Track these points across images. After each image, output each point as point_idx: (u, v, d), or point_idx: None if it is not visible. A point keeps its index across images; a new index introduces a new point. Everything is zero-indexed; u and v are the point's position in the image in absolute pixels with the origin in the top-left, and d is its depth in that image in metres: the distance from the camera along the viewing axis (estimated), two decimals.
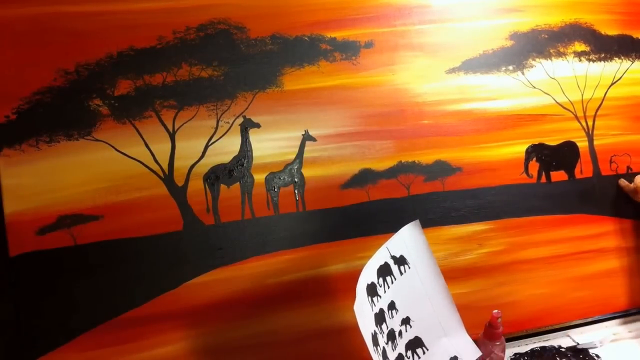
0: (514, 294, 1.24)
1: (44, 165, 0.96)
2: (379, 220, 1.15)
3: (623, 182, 1.33)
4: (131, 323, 0.99)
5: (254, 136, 1.09)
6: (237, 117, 1.08)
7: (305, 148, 1.12)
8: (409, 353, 0.96)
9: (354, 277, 1.11)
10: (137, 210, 1.01)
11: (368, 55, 1.16)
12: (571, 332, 1.28)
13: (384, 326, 0.90)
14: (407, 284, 0.98)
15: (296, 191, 1.11)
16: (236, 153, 1.08)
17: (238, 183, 1.08)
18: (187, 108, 1.05)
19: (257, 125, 1.09)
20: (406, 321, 0.97)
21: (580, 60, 1.32)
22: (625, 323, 1.33)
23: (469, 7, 1.24)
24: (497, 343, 1.05)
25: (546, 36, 1.29)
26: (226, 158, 1.07)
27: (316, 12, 1.14)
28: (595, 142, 1.33)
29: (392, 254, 0.96)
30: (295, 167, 1.11)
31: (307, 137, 1.12)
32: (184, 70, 1.05)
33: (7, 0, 0.95)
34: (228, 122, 1.07)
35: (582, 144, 1.32)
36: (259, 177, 1.09)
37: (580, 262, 1.29)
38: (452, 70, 1.22)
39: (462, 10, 1.23)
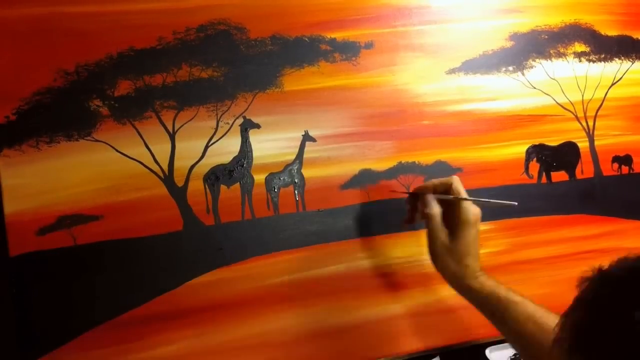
0: None
1: (44, 166, 0.96)
2: (379, 220, 1.15)
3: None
4: (131, 323, 0.99)
5: (253, 137, 1.09)
6: (237, 117, 1.08)
7: (305, 149, 1.12)
8: None
9: (354, 277, 1.12)
10: (137, 211, 1.01)
11: (368, 56, 1.16)
12: None
13: None
14: None
15: (296, 192, 1.11)
16: (236, 153, 1.08)
17: (238, 183, 1.08)
18: (187, 108, 1.05)
19: (257, 126, 1.09)
20: None
21: (580, 61, 1.32)
22: None
23: (469, 7, 1.24)
24: None
25: (546, 37, 1.29)
26: (226, 158, 1.07)
27: (316, 12, 1.14)
28: (596, 143, 1.33)
29: None
30: (295, 167, 1.11)
31: (307, 138, 1.12)
32: (184, 71, 1.05)
33: (7, 0, 0.96)
34: (228, 123, 1.07)
35: (583, 144, 1.32)
36: (259, 178, 1.09)
37: (581, 262, 1.29)
38: (452, 71, 1.22)
39: (462, 11, 1.23)
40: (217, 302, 1.04)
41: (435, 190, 1.02)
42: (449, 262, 0.98)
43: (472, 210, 0.97)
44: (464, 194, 0.99)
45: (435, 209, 0.99)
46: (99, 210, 0.99)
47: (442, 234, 0.98)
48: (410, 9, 1.20)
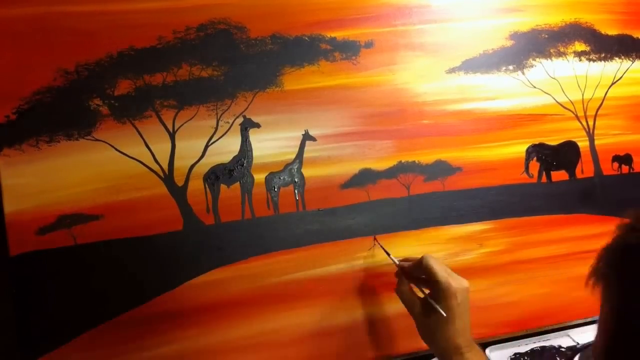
0: (514, 294, 1.24)
1: (44, 165, 0.96)
2: (379, 220, 1.15)
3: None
4: (131, 323, 0.99)
5: (254, 136, 1.09)
6: (237, 117, 1.08)
7: (305, 148, 1.12)
8: None
9: (354, 277, 1.12)
10: (137, 210, 1.01)
11: (368, 55, 1.16)
12: (571, 332, 1.28)
13: None
14: None
15: (296, 191, 1.11)
16: (236, 153, 1.08)
17: (238, 183, 1.08)
18: (187, 108, 1.05)
19: (257, 125, 1.09)
20: None
21: (580, 60, 1.32)
22: None
23: (469, 7, 1.24)
24: None
25: (546, 36, 1.29)
26: (226, 158, 1.07)
27: (316, 12, 1.14)
28: (596, 142, 1.33)
29: None
30: (295, 167, 1.11)
31: (307, 137, 1.12)
32: (184, 70, 1.05)
33: (7, 0, 0.95)
34: (228, 122, 1.07)
35: (583, 143, 1.32)
36: (259, 177, 1.09)
37: (581, 262, 1.29)
38: (452, 70, 1.22)
39: (462, 10, 1.23)
40: (217, 302, 1.04)
41: (410, 272, 1.02)
42: (429, 334, 0.97)
43: (452, 283, 0.94)
44: (437, 270, 0.95)
45: (402, 287, 1.02)
46: (99, 209, 0.99)
47: (415, 307, 0.99)
48: (410, 8, 1.20)
